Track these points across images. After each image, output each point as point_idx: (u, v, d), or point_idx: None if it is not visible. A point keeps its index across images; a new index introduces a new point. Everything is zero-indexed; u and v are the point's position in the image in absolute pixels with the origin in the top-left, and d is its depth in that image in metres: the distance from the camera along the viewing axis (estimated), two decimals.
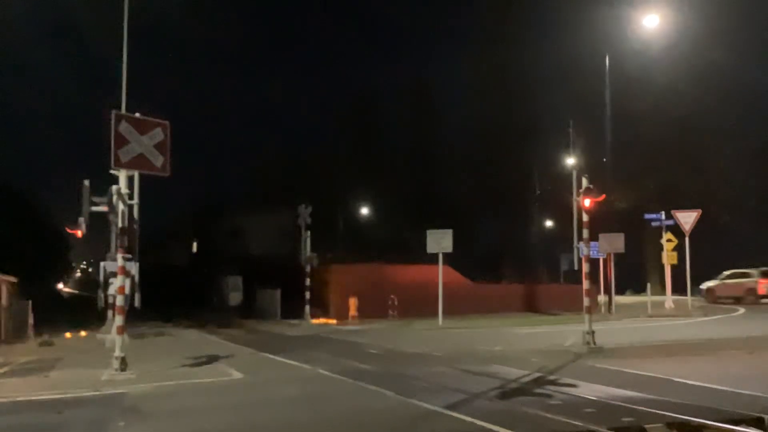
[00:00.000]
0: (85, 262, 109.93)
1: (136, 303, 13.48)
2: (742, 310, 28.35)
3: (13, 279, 19.82)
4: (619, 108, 31.86)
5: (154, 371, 11.59)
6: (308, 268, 24.01)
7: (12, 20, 41.33)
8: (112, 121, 11.28)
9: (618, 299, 29.71)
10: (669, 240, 28.85)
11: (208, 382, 10.69)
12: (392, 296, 24.88)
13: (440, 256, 22.16)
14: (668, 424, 6.87)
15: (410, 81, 54.65)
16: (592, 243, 19.30)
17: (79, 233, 17.84)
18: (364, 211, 50.67)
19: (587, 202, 14.83)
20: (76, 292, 77.99)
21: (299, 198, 26.74)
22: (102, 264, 14.89)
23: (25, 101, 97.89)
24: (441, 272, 21.97)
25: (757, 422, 7.01)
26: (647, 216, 30.10)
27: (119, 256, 11.61)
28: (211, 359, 13.25)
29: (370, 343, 16.52)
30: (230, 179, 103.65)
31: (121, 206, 11.54)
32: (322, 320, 24.21)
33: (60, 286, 69.07)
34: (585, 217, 15.34)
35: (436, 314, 21.70)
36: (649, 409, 7.84)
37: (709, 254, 31.81)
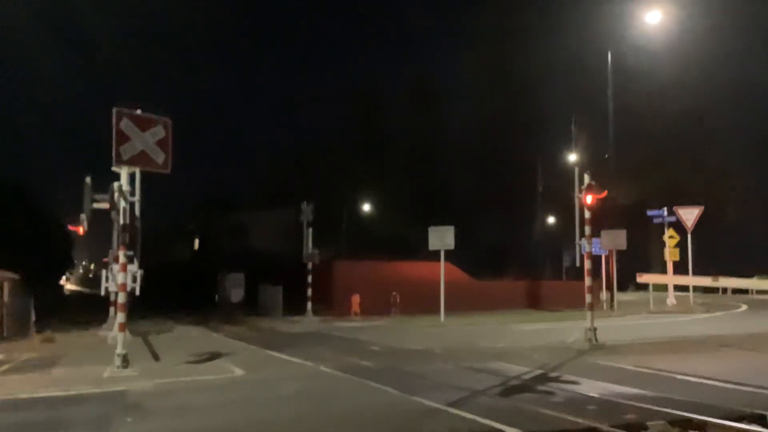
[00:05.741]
0: (86, 260, 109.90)
1: (137, 291, 13.49)
2: (744, 307, 28.34)
3: (15, 276, 19.83)
4: (621, 104, 31.82)
5: (156, 368, 11.60)
6: (310, 265, 23.99)
7: (15, 17, 41.37)
8: (114, 118, 11.27)
9: (620, 296, 29.73)
10: (671, 236, 28.83)
11: (210, 379, 10.69)
12: (394, 293, 24.86)
13: (442, 253, 22.13)
14: (670, 422, 6.85)
15: (414, 78, 54.68)
16: (594, 240, 19.29)
17: (81, 230, 17.83)
18: (367, 208, 50.60)
19: (589, 199, 14.79)
20: (79, 288, 78.12)
21: (302, 195, 26.71)
22: (104, 282, 15.17)
23: (28, 97, 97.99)
24: (443, 269, 21.94)
25: (759, 419, 7.00)
26: (649, 212, 30.08)
27: (121, 253, 11.62)
28: (213, 356, 13.25)
29: (372, 340, 16.52)
30: (233, 176, 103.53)
31: (122, 203, 11.53)
32: (324, 317, 24.20)
33: (63, 282, 69.20)
34: (587, 214, 15.33)
35: (438, 311, 21.69)
36: (651, 406, 7.84)
37: (712, 251, 31.78)
